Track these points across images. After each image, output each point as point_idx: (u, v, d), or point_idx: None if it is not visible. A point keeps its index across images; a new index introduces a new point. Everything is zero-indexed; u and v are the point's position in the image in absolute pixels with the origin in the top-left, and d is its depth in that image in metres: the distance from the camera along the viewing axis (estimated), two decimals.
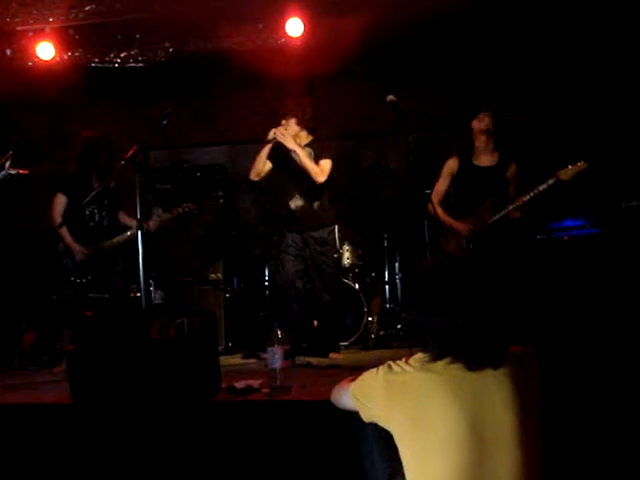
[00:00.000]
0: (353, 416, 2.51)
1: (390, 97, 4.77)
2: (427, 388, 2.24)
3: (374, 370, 2.39)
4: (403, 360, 2.34)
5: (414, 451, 2.26)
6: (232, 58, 6.62)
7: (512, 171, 5.52)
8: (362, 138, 7.56)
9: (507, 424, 2.20)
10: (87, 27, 6.36)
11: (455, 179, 5.63)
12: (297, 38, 6.31)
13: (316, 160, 5.54)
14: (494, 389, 2.23)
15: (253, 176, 5.68)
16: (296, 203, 5.60)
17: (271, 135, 5.53)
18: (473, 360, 2.22)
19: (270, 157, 5.64)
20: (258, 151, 5.62)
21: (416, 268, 2.42)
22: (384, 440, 2.46)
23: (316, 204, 5.62)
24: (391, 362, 2.36)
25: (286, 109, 5.63)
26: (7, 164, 4.60)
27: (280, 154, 5.61)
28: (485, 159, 5.55)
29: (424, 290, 2.31)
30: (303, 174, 5.52)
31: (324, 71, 6.52)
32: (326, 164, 5.54)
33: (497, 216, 5.36)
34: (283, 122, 5.57)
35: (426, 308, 2.27)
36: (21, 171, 4.65)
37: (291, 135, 5.53)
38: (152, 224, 5.77)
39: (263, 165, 5.65)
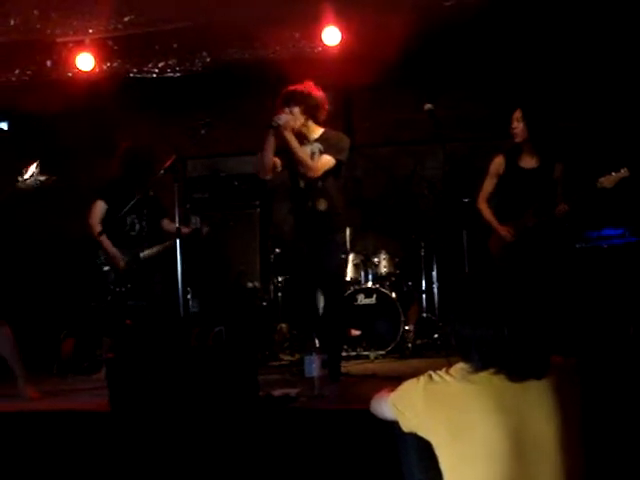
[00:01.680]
0: (393, 426, 2.50)
1: (428, 106, 4.76)
2: (468, 399, 2.22)
3: (414, 380, 2.37)
4: (444, 370, 2.32)
5: (454, 462, 2.25)
6: (269, 67, 6.65)
7: (559, 171, 5.46)
8: (399, 146, 7.53)
9: (549, 435, 2.18)
10: (126, 38, 6.43)
11: (501, 180, 5.58)
12: (334, 47, 6.32)
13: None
14: (536, 400, 2.21)
15: (262, 174, 5.15)
16: (310, 205, 5.12)
17: (274, 122, 4.93)
18: (516, 371, 2.20)
19: (280, 154, 5.11)
20: (261, 144, 5.03)
21: (458, 278, 2.41)
22: (424, 450, 2.44)
23: (325, 205, 5.09)
24: (431, 372, 2.34)
25: (290, 96, 5.07)
26: (35, 171, 4.67)
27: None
28: (530, 161, 5.50)
29: (468, 301, 2.29)
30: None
31: (361, 79, 6.52)
32: (324, 161, 5.01)
33: (536, 220, 5.33)
34: (287, 110, 5.00)
35: (470, 319, 2.26)
36: (49, 177, 4.72)
37: (297, 126, 5.04)
38: (189, 231, 5.80)
39: (270, 159, 5.03)
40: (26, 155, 4.93)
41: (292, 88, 5.08)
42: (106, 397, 4.06)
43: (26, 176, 4.65)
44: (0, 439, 4.07)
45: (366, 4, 6.00)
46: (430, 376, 2.33)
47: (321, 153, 5.06)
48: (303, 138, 5.12)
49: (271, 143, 4.96)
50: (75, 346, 6.40)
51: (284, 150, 5.06)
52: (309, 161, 5.00)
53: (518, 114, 5.40)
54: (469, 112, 7.23)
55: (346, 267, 6.37)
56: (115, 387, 3.91)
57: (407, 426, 2.39)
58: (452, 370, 2.30)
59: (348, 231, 5.65)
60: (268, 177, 5.17)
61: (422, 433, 2.34)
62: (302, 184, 5.11)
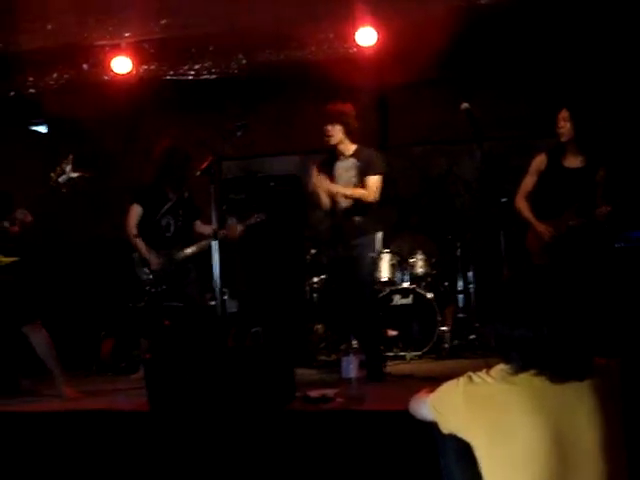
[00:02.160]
0: (432, 427, 2.48)
1: (464, 105, 4.73)
2: (509, 400, 2.19)
3: (454, 381, 2.35)
4: (484, 371, 2.30)
5: (494, 464, 2.23)
6: (304, 68, 6.66)
7: (601, 176, 5.40)
8: (434, 146, 7.50)
9: (590, 437, 2.15)
10: (162, 41, 6.47)
11: (542, 178, 5.53)
12: (369, 47, 6.30)
13: (362, 173, 5.45)
14: (578, 402, 2.18)
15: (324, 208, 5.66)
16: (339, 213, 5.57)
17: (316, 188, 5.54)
18: (558, 372, 2.17)
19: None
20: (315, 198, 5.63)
21: (497, 278, 2.40)
22: (463, 452, 2.42)
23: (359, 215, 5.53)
24: (471, 373, 2.32)
25: (331, 115, 5.49)
26: (68, 167, 4.71)
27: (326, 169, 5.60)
28: (574, 161, 5.44)
29: (508, 302, 2.27)
30: (350, 181, 5.50)
31: (395, 79, 6.50)
32: (374, 182, 5.42)
33: (580, 220, 5.27)
34: (328, 127, 5.46)
35: (510, 320, 2.24)
36: (83, 173, 4.76)
37: (336, 142, 5.48)
38: (227, 232, 5.82)
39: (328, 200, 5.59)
40: (63, 157, 4.98)
41: (334, 108, 5.50)
42: (144, 397, 4.09)
43: (60, 172, 4.70)
44: (41, 438, 4.11)
45: (400, 3, 5.98)
46: (470, 377, 2.31)
47: (357, 169, 5.47)
48: (340, 154, 5.54)
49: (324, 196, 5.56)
50: (114, 347, 6.47)
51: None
52: (363, 192, 5.39)
53: (565, 114, 5.34)
54: (505, 111, 7.17)
55: (377, 267, 6.38)
56: (153, 387, 3.94)
57: (447, 427, 2.37)
58: (492, 371, 2.29)
59: (379, 234, 5.70)
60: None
61: (462, 434, 2.32)
62: (343, 204, 5.51)
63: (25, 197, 4.89)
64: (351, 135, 5.51)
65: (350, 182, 5.48)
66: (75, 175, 4.71)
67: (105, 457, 3.95)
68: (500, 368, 2.27)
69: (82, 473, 3.95)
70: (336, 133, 5.45)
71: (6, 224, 4.73)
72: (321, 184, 5.50)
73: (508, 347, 2.24)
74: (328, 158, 5.60)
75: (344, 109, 5.51)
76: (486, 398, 2.24)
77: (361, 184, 5.43)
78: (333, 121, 5.44)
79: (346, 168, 5.51)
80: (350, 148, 5.53)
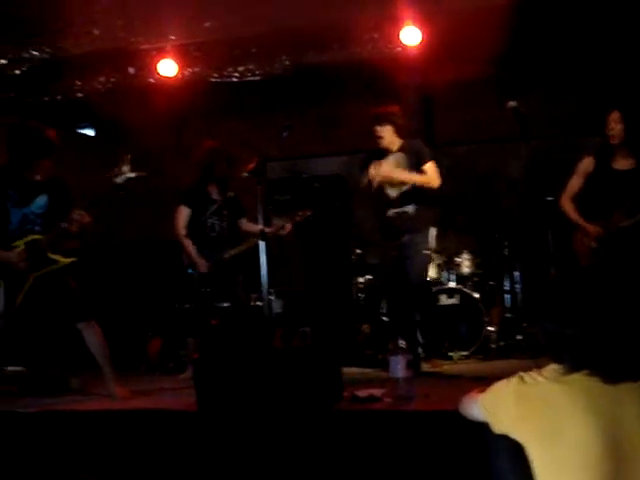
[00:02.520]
0: (483, 427, 2.47)
1: (511, 103, 4.70)
2: (562, 401, 2.17)
3: (505, 381, 2.34)
4: (535, 371, 2.28)
5: (547, 465, 2.20)
6: (348, 69, 6.65)
7: None
8: (479, 144, 7.44)
9: None
10: (206, 43, 6.51)
11: (590, 180, 5.46)
12: (413, 46, 6.27)
13: (413, 165, 5.55)
14: (632, 402, 2.15)
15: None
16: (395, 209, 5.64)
17: (376, 178, 5.56)
18: (611, 372, 2.14)
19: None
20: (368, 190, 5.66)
21: (546, 278, 2.37)
22: (515, 453, 2.39)
23: (412, 208, 5.64)
24: (523, 373, 2.30)
25: (380, 116, 5.62)
26: (126, 168, 4.79)
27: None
28: (624, 163, 5.36)
29: (558, 301, 2.25)
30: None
31: (441, 77, 6.47)
32: (432, 168, 5.54)
33: (631, 221, 5.19)
34: (378, 128, 5.60)
35: (561, 319, 2.21)
36: (139, 174, 4.83)
37: (387, 143, 5.60)
38: (275, 230, 5.86)
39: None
40: (111, 160, 5.05)
41: (383, 109, 5.66)
42: (192, 397, 4.12)
43: (118, 172, 4.78)
44: (90, 437, 4.17)
45: (445, 1, 5.95)
46: (521, 377, 2.29)
47: (406, 161, 5.58)
48: (387, 151, 5.64)
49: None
50: (161, 346, 6.53)
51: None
52: (425, 178, 5.49)
53: (616, 116, 5.25)
54: (552, 109, 7.09)
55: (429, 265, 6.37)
56: (202, 387, 3.97)
57: (498, 428, 2.36)
58: (544, 371, 2.27)
59: (433, 230, 5.70)
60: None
61: (514, 435, 2.30)
62: (393, 194, 5.62)
63: (82, 198, 4.98)
64: (400, 134, 5.62)
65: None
66: (133, 175, 4.79)
67: (154, 456, 3.99)
68: (552, 368, 2.25)
69: (131, 472, 3.99)
70: (386, 133, 5.57)
71: (64, 225, 4.83)
72: (382, 172, 5.54)
73: (559, 347, 2.22)
74: (374, 154, 5.68)
75: (392, 109, 5.64)
76: (538, 398, 2.22)
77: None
78: (382, 122, 5.57)
79: (395, 163, 5.60)
80: (397, 143, 5.64)
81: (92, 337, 5.04)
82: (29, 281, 4.90)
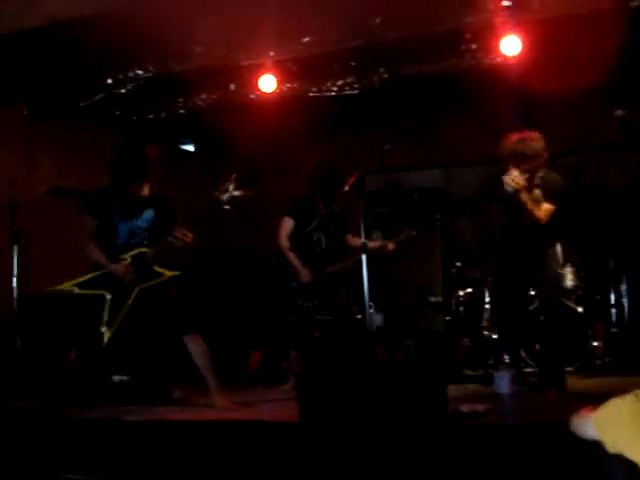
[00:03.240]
0: (596, 446, 2.40)
1: (618, 112, 4.57)
2: None
3: (619, 399, 2.28)
4: None
5: None
6: (447, 80, 6.60)
7: None
8: (584, 155, 7.26)
9: None
10: (304, 58, 6.58)
11: None
12: (513, 56, 6.17)
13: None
14: None
15: None
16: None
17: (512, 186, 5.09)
18: None
19: None
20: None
21: None
22: (630, 474, 2.32)
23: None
24: (638, 391, 2.23)
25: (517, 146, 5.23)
26: (232, 186, 4.89)
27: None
28: None
29: None
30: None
31: (542, 86, 6.33)
32: (548, 211, 5.21)
33: None
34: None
35: None
36: (245, 192, 4.92)
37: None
38: (379, 248, 5.87)
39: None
40: (211, 176, 5.15)
41: (520, 139, 5.23)
42: (294, 409, 4.15)
43: (224, 190, 4.89)
44: (195, 448, 4.24)
45: (544, 10, 5.83)
46: (637, 395, 2.23)
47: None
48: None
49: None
50: (262, 359, 6.61)
51: None
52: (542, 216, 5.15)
53: None
54: None
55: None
56: (305, 399, 3.99)
57: (613, 447, 2.29)
58: None
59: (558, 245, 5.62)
60: None
61: (629, 455, 2.24)
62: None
63: (187, 213, 5.11)
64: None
65: None
66: (237, 194, 4.89)
67: (257, 467, 4.03)
68: None
69: None
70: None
71: (171, 239, 4.96)
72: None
73: None
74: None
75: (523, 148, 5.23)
76: None
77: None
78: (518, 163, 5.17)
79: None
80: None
81: (196, 349, 5.14)
82: (135, 293, 5.05)
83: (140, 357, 6.72)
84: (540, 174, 5.25)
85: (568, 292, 6.40)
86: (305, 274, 5.85)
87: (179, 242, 4.94)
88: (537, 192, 5.21)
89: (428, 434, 3.70)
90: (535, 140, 5.23)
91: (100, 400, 5.59)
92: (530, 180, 5.18)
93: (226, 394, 5.22)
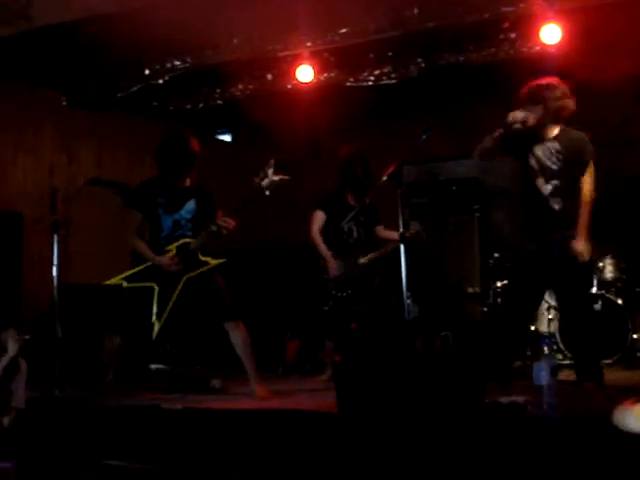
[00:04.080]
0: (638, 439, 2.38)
1: None
2: None
3: None
4: None
5: None
6: (484, 70, 6.55)
7: None
8: (620, 147, 7.15)
9: None
10: (341, 49, 6.57)
11: None
12: (553, 45, 6.10)
13: (568, 162, 4.88)
14: None
15: (476, 155, 5.17)
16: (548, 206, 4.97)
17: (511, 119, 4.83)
18: None
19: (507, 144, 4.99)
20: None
21: None
22: None
23: (561, 205, 4.98)
24: None
25: (530, 93, 4.93)
26: (270, 171, 4.91)
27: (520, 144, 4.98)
28: None
29: None
30: (552, 167, 4.91)
31: (581, 77, 6.24)
32: (589, 171, 4.88)
33: None
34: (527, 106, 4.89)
35: None
36: (282, 178, 4.93)
37: (534, 124, 4.83)
38: (416, 237, 5.85)
39: (489, 150, 5.02)
40: (248, 167, 5.16)
41: (533, 84, 4.97)
42: (331, 398, 4.15)
43: (263, 176, 4.91)
44: (232, 436, 4.26)
45: None
46: None
47: (557, 153, 4.90)
48: (538, 137, 4.98)
49: (497, 139, 4.92)
50: (299, 348, 6.63)
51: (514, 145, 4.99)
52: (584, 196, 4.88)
53: None
54: None
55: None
56: (342, 389, 3.99)
57: None
58: None
59: None
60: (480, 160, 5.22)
61: None
62: (546, 189, 4.96)
63: (228, 201, 5.15)
64: (556, 115, 4.92)
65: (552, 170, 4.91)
66: (277, 179, 4.91)
67: (295, 456, 4.04)
68: None
69: (271, 471, 4.05)
70: (536, 112, 4.84)
71: (214, 228, 5.01)
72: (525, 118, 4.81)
73: None
74: (525, 138, 4.99)
75: (542, 84, 4.93)
76: None
77: (565, 173, 4.88)
78: (530, 101, 4.89)
79: (548, 154, 4.94)
80: (552, 130, 4.97)
81: (238, 337, 5.19)
82: (182, 283, 5.10)
83: (180, 346, 6.80)
84: (558, 128, 4.96)
85: (608, 284, 6.34)
86: (334, 267, 5.86)
87: (222, 230, 4.99)
88: (550, 145, 4.93)
89: (467, 425, 3.69)
90: (553, 87, 4.92)
91: (139, 388, 5.66)
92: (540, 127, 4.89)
93: (264, 383, 5.25)
